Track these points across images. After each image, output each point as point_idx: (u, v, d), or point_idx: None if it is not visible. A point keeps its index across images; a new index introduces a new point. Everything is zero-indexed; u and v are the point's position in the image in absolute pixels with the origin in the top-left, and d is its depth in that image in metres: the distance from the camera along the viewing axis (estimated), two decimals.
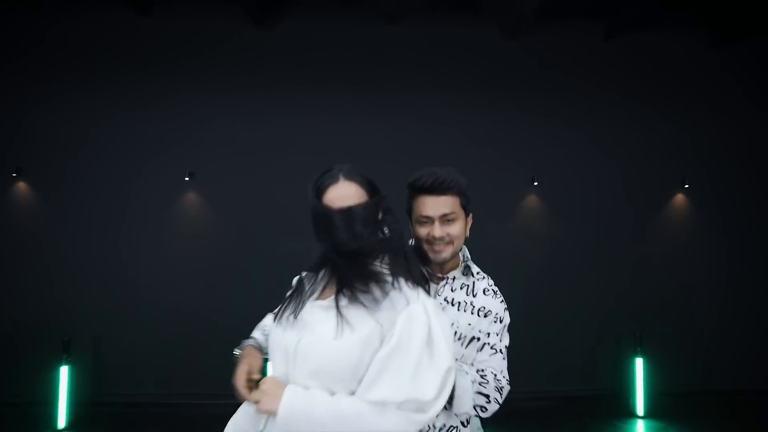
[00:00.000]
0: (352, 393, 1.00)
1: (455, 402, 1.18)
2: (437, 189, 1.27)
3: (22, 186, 4.04)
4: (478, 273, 1.41)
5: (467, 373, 1.23)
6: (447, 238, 1.29)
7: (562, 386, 4.21)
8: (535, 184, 4.34)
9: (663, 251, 4.44)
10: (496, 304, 1.36)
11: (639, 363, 3.99)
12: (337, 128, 4.20)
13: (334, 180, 1.09)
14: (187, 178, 4.11)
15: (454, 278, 1.36)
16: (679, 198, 4.48)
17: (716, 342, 4.35)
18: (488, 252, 3.88)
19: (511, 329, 3.37)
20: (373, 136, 4.20)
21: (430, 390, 0.97)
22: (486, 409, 1.24)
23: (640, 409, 3.94)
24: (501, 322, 1.36)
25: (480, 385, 1.23)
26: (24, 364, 3.86)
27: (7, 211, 4.01)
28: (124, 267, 4.04)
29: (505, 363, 1.34)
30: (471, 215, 1.37)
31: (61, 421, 3.62)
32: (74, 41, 4.08)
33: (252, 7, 4.00)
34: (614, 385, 4.19)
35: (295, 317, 1.08)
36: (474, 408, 1.22)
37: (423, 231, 1.30)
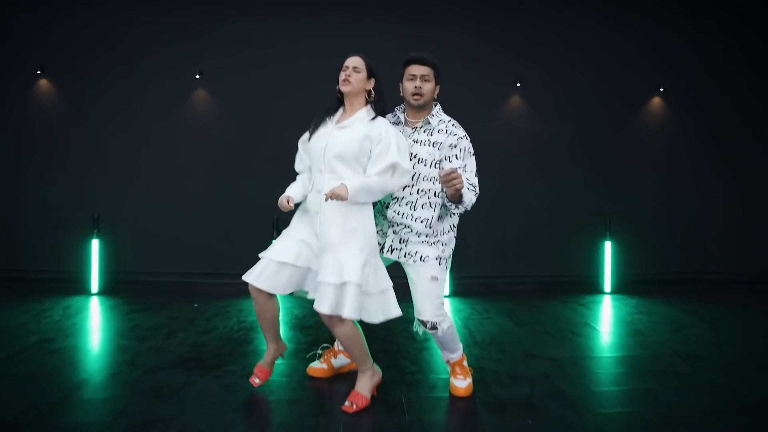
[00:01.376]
0: (356, 171, 1.95)
1: (465, 198, 1.91)
2: (421, 60, 2.01)
3: (44, 83, 4.38)
4: (440, 122, 2.06)
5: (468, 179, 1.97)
6: (422, 90, 2.01)
7: (541, 271, 4.59)
8: (518, 85, 4.56)
9: (638, 149, 4.70)
10: (449, 136, 2.02)
11: (608, 246, 4.41)
12: (341, 29, 4.37)
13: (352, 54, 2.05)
14: (197, 76, 4.41)
15: (419, 126, 2.07)
16: (656, 101, 4.72)
17: (682, 233, 4.71)
18: (474, 147, 4.05)
19: (496, 218, 4.44)
20: (373, 37, 4.32)
21: (406, 162, 1.93)
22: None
23: (607, 287, 4.40)
24: (457, 146, 2.02)
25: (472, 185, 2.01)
26: (59, 239, 4.31)
27: (32, 106, 4.36)
28: (140, 155, 4.39)
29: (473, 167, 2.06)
30: (439, 86, 2.06)
31: (94, 287, 4.11)
32: None
33: None
34: (587, 269, 4.55)
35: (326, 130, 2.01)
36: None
37: (410, 85, 2.02)
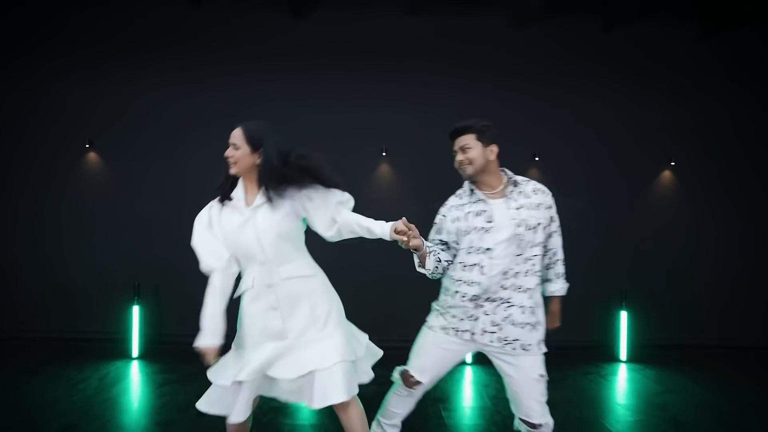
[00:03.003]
0: (298, 247, 1.76)
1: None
2: (454, 133, 1.94)
3: (93, 156, 4.63)
4: (523, 180, 1.96)
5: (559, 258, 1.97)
6: (465, 159, 1.90)
7: (557, 338, 4.43)
8: (536, 159, 4.71)
9: (651, 219, 4.82)
10: (545, 197, 1.95)
11: (624, 316, 4.45)
12: (361, 108, 4.60)
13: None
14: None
15: (510, 192, 1.91)
16: (666, 174, 4.87)
17: (693, 301, 4.80)
18: None
19: None
20: (395, 115, 4.63)
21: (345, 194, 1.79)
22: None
23: (623, 355, 4.41)
24: (551, 208, 1.96)
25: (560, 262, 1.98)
26: (101, 305, 4.48)
27: (81, 178, 4.61)
28: (180, 226, 4.38)
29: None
30: (494, 145, 1.92)
31: (134, 351, 4.20)
32: (133, 29, 4.60)
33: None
34: (602, 336, 4.62)
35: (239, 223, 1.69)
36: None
37: (456, 160, 1.94)
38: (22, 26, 4.55)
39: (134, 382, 3.69)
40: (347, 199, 1.79)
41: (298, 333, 1.67)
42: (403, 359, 2.07)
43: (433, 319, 2.02)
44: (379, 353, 1.91)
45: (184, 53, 4.63)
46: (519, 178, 1.94)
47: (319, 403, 1.62)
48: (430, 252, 1.87)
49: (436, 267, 1.90)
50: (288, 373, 1.63)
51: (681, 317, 4.79)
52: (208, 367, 1.69)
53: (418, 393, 2.03)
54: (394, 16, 4.71)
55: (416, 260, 1.87)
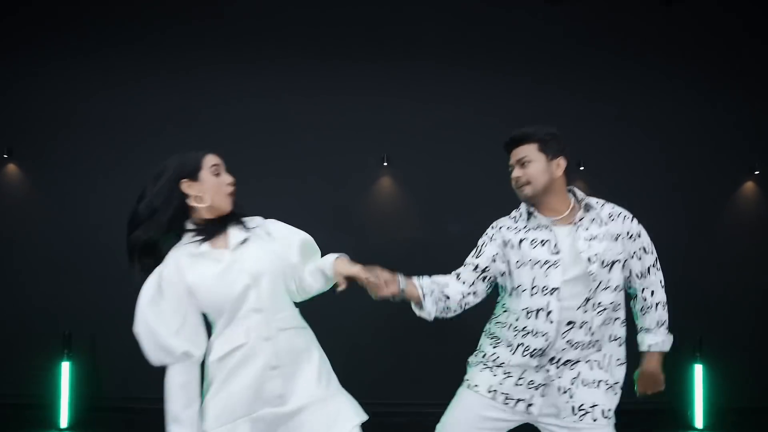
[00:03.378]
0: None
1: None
2: (511, 144, 1.79)
3: (12, 168, 4.10)
4: (597, 203, 1.76)
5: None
6: (523, 176, 1.73)
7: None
8: (581, 169, 4.16)
9: (729, 246, 4.24)
10: (628, 224, 1.76)
11: (698, 370, 3.87)
12: (353, 106, 4.21)
13: None
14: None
15: (580, 219, 1.74)
16: (749, 186, 4.26)
17: None
18: None
19: None
20: (391, 116, 4.22)
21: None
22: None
23: (698, 422, 3.85)
24: (641, 236, 1.78)
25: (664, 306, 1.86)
26: (20, 361, 3.93)
27: None
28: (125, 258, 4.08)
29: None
30: (561, 158, 1.74)
31: (63, 420, 3.65)
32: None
33: None
34: (671, 397, 3.90)
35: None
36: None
37: (512, 178, 1.78)
38: None
39: None
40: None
41: (299, 396, 1.53)
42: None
43: (476, 374, 1.86)
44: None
45: (132, 42, 4.13)
46: (592, 200, 1.81)
47: None
48: (424, 293, 1.77)
49: (445, 308, 1.83)
50: None
51: None
52: None
53: None
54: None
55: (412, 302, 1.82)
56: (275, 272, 1.54)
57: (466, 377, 1.89)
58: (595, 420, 1.65)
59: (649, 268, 1.77)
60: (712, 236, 4.24)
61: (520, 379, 1.72)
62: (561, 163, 1.72)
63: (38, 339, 3.87)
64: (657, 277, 1.80)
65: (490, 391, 1.74)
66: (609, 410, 1.69)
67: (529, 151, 1.71)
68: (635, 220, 1.76)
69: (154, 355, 1.50)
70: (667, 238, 4.01)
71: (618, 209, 1.76)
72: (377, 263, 1.77)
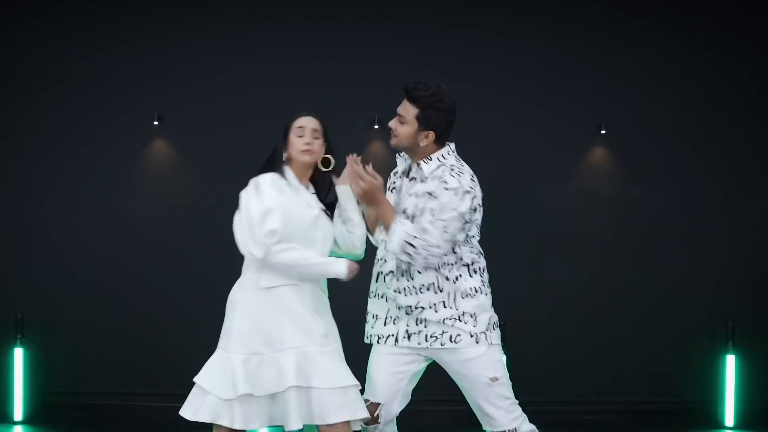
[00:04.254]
0: None
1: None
2: (406, 94, 1.91)
3: None
4: (439, 167, 1.92)
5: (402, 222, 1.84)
6: (394, 132, 1.92)
7: (632, 395, 4.12)
8: (603, 132, 4.00)
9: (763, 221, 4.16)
10: (453, 181, 1.86)
11: (731, 361, 3.78)
12: (343, 64, 4.15)
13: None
14: (156, 123, 3.99)
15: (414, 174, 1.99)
16: None
17: None
18: (538, 220, 3.96)
19: (569, 319, 4.06)
20: (391, 75, 3.93)
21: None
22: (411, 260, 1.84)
23: (729, 419, 3.77)
24: (452, 191, 1.86)
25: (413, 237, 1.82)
26: None
27: None
28: (80, 233, 4.00)
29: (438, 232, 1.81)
30: (432, 132, 1.86)
31: (17, 413, 3.61)
32: None
33: None
34: (699, 392, 3.98)
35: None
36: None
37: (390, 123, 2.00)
38: None
39: None
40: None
41: (321, 340, 1.73)
42: None
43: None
44: None
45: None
46: (436, 160, 1.97)
47: (319, 420, 1.69)
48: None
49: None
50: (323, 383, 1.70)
51: None
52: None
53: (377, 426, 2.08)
54: None
55: None
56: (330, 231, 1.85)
57: None
58: (441, 344, 1.91)
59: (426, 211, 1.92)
60: (754, 211, 4.13)
61: (377, 315, 2.04)
62: (430, 135, 1.86)
63: None
64: (425, 216, 1.91)
65: (370, 336, 2.03)
66: (458, 336, 1.91)
67: (408, 111, 1.86)
68: (461, 181, 1.88)
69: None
70: (702, 216, 3.96)
71: (457, 172, 1.91)
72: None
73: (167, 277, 4.05)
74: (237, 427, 1.61)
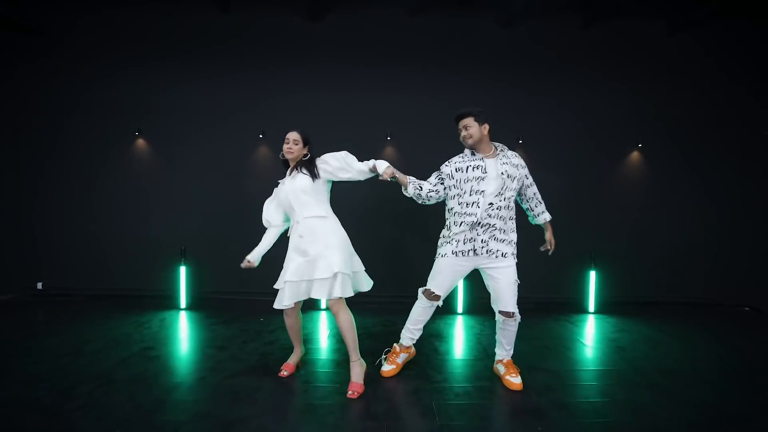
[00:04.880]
0: (319, 200, 2.63)
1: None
2: (458, 118, 2.60)
3: (141, 143, 5.10)
4: (502, 150, 2.63)
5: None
6: (467, 134, 2.56)
7: (538, 294, 5.00)
8: (520, 141, 4.98)
9: (620, 194, 5.12)
10: (519, 161, 2.63)
11: (592, 275, 4.87)
12: (367, 100, 4.88)
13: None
14: (261, 136, 4.94)
15: (496, 155, 2.60)
16: (635, 155, 5.17)
17: (657, 262, 5.19)
18: None
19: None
20: (393, 105, 4.95)
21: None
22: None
23: (591, 307, 4.82)
24: (524, 168, 2.65)
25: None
26: (155, 267, 5.00)
27: (132, 160, 5.10)
28: (216, 199, 4.98)
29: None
30: (486, 124, 2.58)
31: (182, 303, 4.73)
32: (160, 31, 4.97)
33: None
34: (575, 292, 4.96)
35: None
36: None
37: (461, 135, 2.61)
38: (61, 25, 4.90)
39: (187, 325, 4.08)
40: (345, 155, 2.60)
41: (314, 254, 2.48)
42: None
43: (444, 248, 2.69)
44: (371, 283, 2.70)
45: (209, 54, 5.04)
46: (502, 147, 2.68)
47: (318, 295, 2.44)
48: (410, 183, 2.66)
49: (418, 194, 2.70)
50: (308, 275, 2.48)
51: (644, 276, 5.19)
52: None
53: (437, 303, 2.79)
54: (396, 18, 5.00)
55: (404, 188, 2.64)
56: (305, 189, 2.50)
57: (438, 252, 2.75)
58: (497, 257, 2.51)
59: (530, 185, 2.70)
60: (609, 187, 5.08)
61: (463, 240, 2.55)
62: (486, 126, 2.57)
63: (165, 253, 4.93)
64: (533, 188, 2.73)
65: (453, 254, 2.59)
66: (506, 252, 2.53)
67: (469, 121, 2.55)
68: (521, 160, 2.61)
69: (267, 217, 2.74)
70: (579, 189, 4.98)
71: (514, 153, 2.62)
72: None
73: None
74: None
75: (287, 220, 2.75)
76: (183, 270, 4.81)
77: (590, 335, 3.96)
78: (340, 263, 2.44)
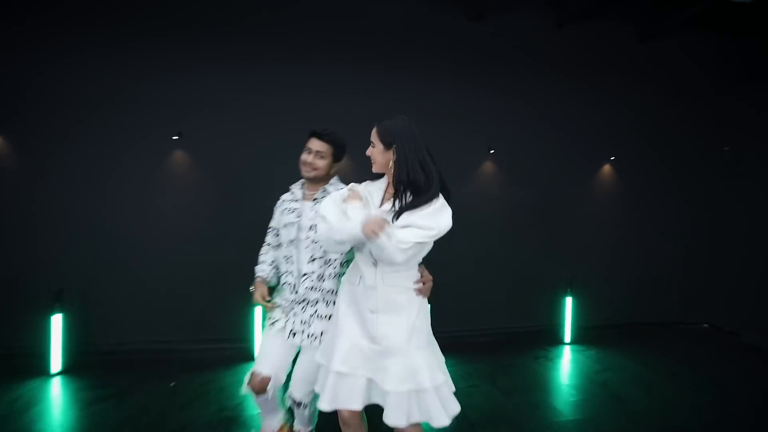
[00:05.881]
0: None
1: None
2: (321, 136, 2.00)
3: (0, 141, 3.88)
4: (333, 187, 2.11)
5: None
6: (313, 165, 2.01)
7: (508, 324, 4.82)
8: (491, 152, 4.73)
9: (593, 211, 5.04)
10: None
11: (569, 301, 4.67)
12: (322, 100, 4.32)
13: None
14: (175, 137, 4.12)
15: (317, 197, 2.09)
16: (606, 168, 5.11)
17: (631, 286, 5.18)
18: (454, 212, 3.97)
19: (467, 276, 4.46)
20: (354, 106, 4.36)
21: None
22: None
23: (567, 337, 4.66)
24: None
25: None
26: (18, 314, 3.86)
27: None
28: (111, 220, 4.08)
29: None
30: (338, 163, 2.08)
31: (55, 366, 3.66)
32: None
33: None
34: (550, 321, 4.82)
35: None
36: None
37: (304, 156, 2.04)
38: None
39: (55, 403, 3.16)
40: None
41: (391, 344, 1.64)
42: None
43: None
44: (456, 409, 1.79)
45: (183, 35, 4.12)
46: (335, 185, 2.17)
47: (390, 420, 1.63)
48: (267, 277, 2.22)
49: (275, 269, 2.27)
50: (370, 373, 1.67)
51: (622, 301, 5.16)
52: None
53: None
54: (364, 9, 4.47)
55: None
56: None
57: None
58: (312, 343, 1.98)
59: None
60: (580, 203, 4.98)
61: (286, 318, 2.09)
62: (337, 166, 2.11)
63: (29, 295, 3.83)
64: None
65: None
66: (321, 333, 1.98)
67: (326, 149, 2.01)
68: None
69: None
70: (551, 206, 4.76)
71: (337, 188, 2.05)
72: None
73: (181, 255, 4.09)
74: None
75: None
76: (58, 318, 3.73)
77: (577, 380, 3.74)
78: (429, 372, 1.66)
